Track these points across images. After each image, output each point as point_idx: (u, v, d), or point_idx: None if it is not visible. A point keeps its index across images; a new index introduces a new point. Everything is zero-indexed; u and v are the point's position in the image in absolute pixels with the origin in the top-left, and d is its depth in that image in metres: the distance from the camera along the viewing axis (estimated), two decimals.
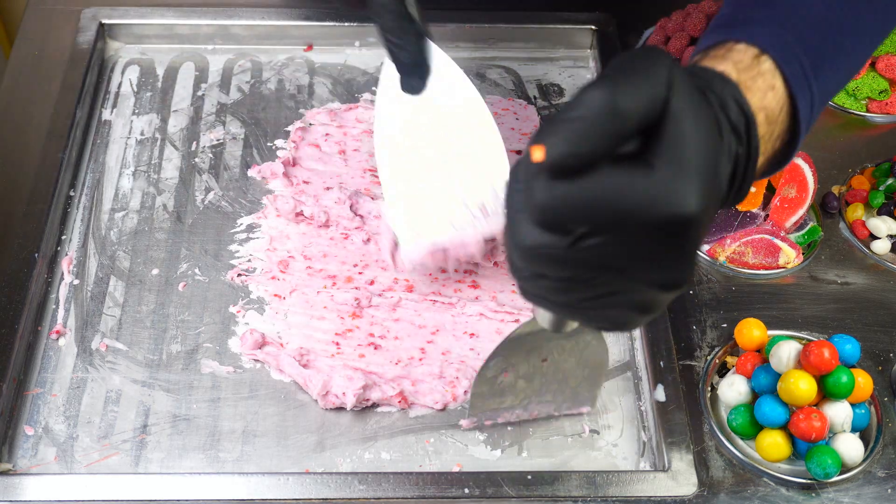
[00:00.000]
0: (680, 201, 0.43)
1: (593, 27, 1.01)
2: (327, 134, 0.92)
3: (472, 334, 0.79)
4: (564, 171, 0.42)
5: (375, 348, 0.78)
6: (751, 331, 0.75)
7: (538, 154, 0.42)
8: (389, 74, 0.76)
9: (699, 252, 0.49)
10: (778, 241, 0.82)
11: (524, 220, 0.45)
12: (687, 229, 0.43)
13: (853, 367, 0.73)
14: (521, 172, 0.45)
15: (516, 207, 0.45)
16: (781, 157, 0.57)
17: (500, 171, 0.75)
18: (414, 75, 0.75)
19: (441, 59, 0.76)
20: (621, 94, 0.42)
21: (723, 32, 0.56)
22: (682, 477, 0.70)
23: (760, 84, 0.53)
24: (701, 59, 0.54)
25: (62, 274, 0.82)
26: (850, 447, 0.70)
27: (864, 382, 0.72)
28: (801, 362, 0.70)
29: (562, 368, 0.69)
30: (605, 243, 0.44)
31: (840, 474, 0.70)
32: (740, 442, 0.72)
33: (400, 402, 0.74)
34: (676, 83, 0.44)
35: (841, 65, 0.58)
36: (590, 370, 0.70)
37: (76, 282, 0.81)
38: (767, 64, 0.54)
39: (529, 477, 0.69)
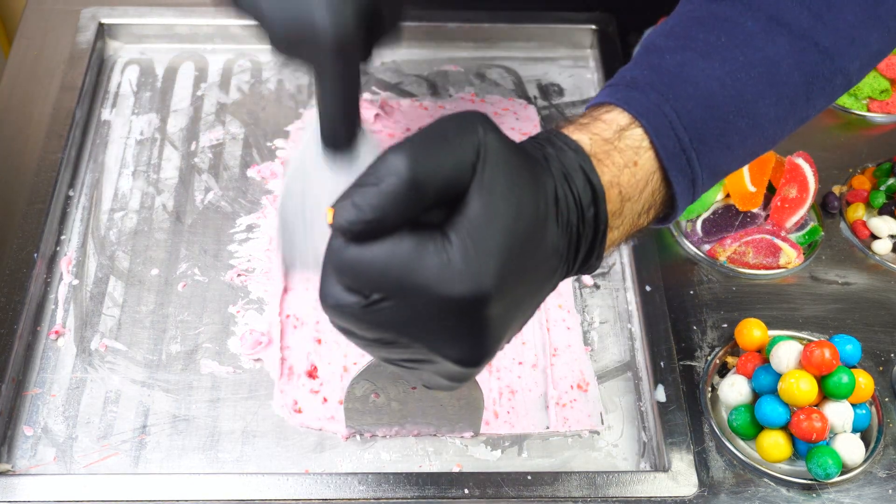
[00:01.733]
0: (469, 281, 0.41)
1: (593, 27, 1.01)
2: None
3: None
4: (357, 235, 0.42)
5: None
6: (751, 331, 0.75)
7: (329, 217, 0.42)
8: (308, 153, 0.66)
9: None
10: (778, 241, 0.82)
11: (328, 276, 0.44)
12: (478, 309, 0.42)
13: (854, 367, 0.73)
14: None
15: (325, 261, 0.44)
16: (662, 221, 0.56)
17: None
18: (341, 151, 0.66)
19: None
20: (420, 162, 0.41)
21: (609, 92, 0.54)
22: (682, 477, 0.70)
23: (617, 159, 0.50)
24: (568, 123, 0.52)
25: (61, 274, 0.81)
26: (850, 448, 0.70)
27: (864, 383, 0.72)
28: (802, 363, 0.70)
29: (434, 396, 0.68)
30: (397, 312, 0.43)
31: (841, 475, 0.70)
32: (741, 442, 0.72)
33: None
34: (488, 152, 0.43)
35: (733, 143, 0.54)
36: (466, 400, 0.69)
37: (75, 282, 0.81)
38: (635, 136, 0.52)
39: (529, 477, 0.69)
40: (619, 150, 0.51)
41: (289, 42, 0.57)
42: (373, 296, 0.43)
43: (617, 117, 0.52)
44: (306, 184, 0.65)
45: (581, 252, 0.49)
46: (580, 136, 0.50)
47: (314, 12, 0.55)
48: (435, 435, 0.73)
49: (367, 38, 0.58)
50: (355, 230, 0.42)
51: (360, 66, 0.58)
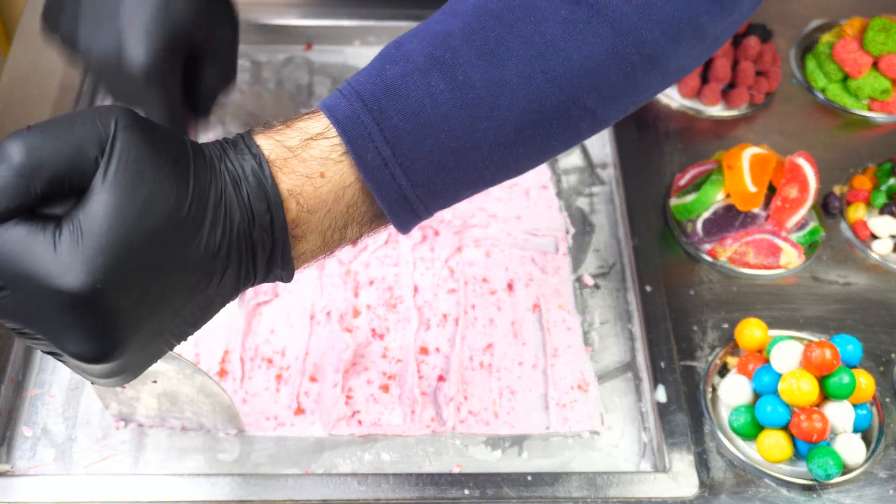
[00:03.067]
0: (74, 274, 0.41)
1: None
2: None
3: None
4: None
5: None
6: (752, 331, 0.74)
7: None
8: None
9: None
10: (779, 242, 0.82)
11: None
12: (89, 304, 0.42)
13: (855, 367, 0.73)
14: None
15: None
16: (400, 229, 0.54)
17: None
18: None
19: None
20: (33, 150, 0.42)
21: (329, 96, 0.52)
22: (682, 478, 0.69)
23: (297, 168, 0.49)
24: (266, 126, 0.51)
25: None
26: (851, 448, 0.70)
27: (865, 383, 0.71)
28: (803, 363, 0.70)
29: (181, 391, 0.67)
30: (15, 302, 0.43)
31: (841, 475, 0.70)
32: (741, 443, 0.72)
33: None
34: (118, 147, 0.43)
35: (450, 165, 0.51)
36: (213, 398, 0.68)
37: None
38: (323, 147, 0.50)
39: (529, 478, 0.69)
40: (302, 160, 0.49)
41: (105, 74, 0.61)
42: None
43: (311, 125, 0.51)
44: None
45: (260, 259, 0.49)
46: (264, 140, 0.50)
47: (127, 42, 0.60)
48: (200, 430, 0.72)
49: (187, 73, 0.64)
50: None
51: (177, 99, 0.64)
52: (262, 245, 0.48)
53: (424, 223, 0.84)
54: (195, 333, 0.76)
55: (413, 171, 0.51)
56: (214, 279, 0.47)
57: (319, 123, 0.51)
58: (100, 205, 0.42)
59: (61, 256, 0.42)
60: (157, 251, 0.43)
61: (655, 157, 0.90)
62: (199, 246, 0.45)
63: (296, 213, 0.49)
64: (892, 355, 0.78)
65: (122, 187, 0.43)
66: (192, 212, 0.45)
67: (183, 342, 0.49)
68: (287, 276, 0.51)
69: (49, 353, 0.46)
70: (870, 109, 0.96)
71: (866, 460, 0.71)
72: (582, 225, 0.87)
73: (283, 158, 0.49)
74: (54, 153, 0.42)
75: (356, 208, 0.51)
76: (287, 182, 0.49)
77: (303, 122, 0.51)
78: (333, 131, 0.50)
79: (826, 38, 0.99)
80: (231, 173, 0.47)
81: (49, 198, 0.43)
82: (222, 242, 0.46)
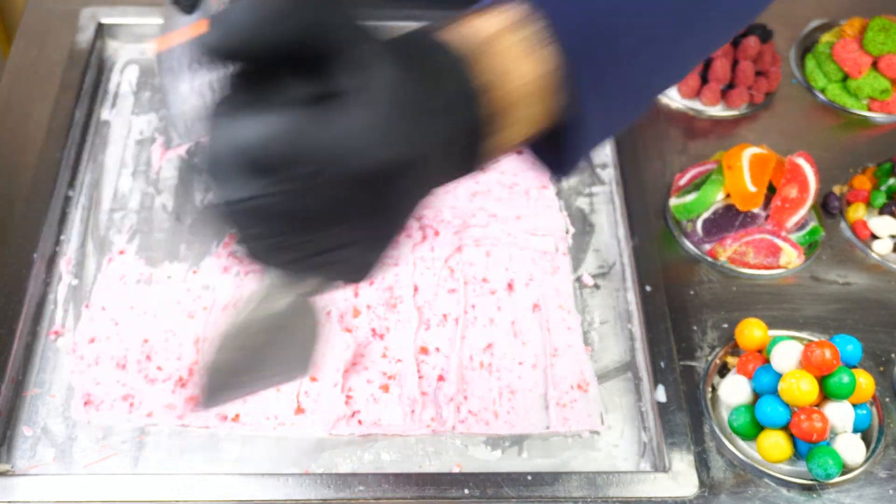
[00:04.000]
0: (390, 147, 0.41)
1: None
2: None
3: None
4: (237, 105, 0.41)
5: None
6: (752, 331, 0.75)
7: (201, 28, 0.41)
8: None
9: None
10: (779, 241, 0.82)
11: (230, 168, 0.43)
12: (391, 179, 0.42)
13: (854, 367, 0.73)
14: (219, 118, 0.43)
15: (215, 150, 0.44)
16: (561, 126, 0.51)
17: None
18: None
19: None
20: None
21: None
22: (682, 478, 0.69)
23: (492, 62, 0.47)
24: (443, 23, 0.49)
25: (61, 274, 0.81)
26: (851, 448, 0.70)
27: (865, 383, 0.71)
28: (803, 363, 0.70)
29: (277, 341, 0.62)
30: (315, 192, 0.42)
31: (841, 475, 0.70)
32: (741, 443, 0.72)
33: None
34: (368, 34, 0.43)
35: (622, 59, 0.50)
36: (305, 332, 0.62)
37: (75, 282, 0.81)
38: (529, 31, 0.48)
39: (529, 478, 0.69)
40: (495, 53, 0.47)
41: None
42: (278, 175, 0.42)
43: (513, 8, 0.48)
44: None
45: (456, 151, 0.47)
46: (452, 34, 0.48)
47: None
48: (270, 388, 0.67)
49: None
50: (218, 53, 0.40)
51: None
52: (458, 139, 0.46)
53: (424, 223, 0.84)
54: (195, 334, 0.77)
55: (586, 66, 0.48)
56: (447, 167, 0.46)
57: (519, 6, 0.48)
58: (382, 81, 0.42)
59: (360, 131, 0.41)
60: (427, 126, 0.43)
61: (655, 157, 0.90)
62: (429, 134, 0.44)
63: (494, 106, 0.47)
64: (892, 355, 0.78)
65: (391, 70, 0.43)
66: (422, 98, 0.44)
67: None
68: (476, 169, 0.49)
69: (315, 255, 0.45)
70: (869, 109, 0.96)
71: (866, 460, 0.71)
72: (582, 225, 0.87)
73: (482, 51, 0.47)
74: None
75: (547, 101, 0.49)
76: (483, 76, 0.47)
77: (496, 12, 0.49)
78: (527, 20, 0.48)
79: (826, 38, 0.99)
80: (433, 71, 0.46)
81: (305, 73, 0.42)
82: (440, 134, 0.45)
